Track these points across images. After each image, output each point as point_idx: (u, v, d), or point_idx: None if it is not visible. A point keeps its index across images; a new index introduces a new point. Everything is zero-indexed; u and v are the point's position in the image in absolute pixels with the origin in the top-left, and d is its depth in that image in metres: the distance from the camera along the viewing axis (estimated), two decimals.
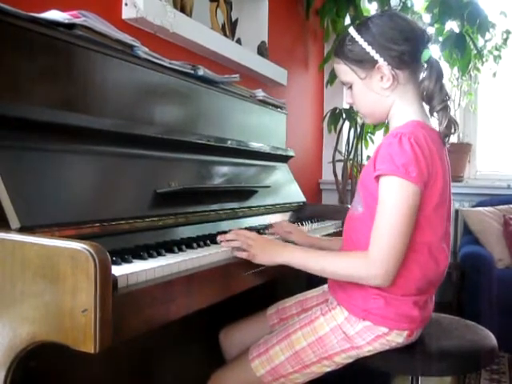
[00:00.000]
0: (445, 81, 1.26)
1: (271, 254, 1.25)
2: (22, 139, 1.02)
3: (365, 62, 1.24)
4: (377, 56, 1.22)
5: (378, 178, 1.16)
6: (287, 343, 1.27)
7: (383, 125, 1.30)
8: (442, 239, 1.24)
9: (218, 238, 1.28)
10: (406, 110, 1.25)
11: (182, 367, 1.60)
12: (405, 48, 1.22)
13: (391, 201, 1.13)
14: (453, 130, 1.25)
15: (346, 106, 3.24)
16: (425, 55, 1.23)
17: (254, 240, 1.26)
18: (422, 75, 1.25)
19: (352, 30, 1.27)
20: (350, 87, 1.30)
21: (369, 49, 1.23)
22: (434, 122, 1.27)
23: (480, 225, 3.26)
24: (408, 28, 1.24)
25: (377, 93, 1.25)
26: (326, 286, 1.44)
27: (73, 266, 0.79)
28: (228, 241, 1.26)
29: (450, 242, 1.27)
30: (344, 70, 1.29)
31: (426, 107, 1.28)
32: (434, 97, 1.24)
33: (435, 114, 1.26)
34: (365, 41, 1.23)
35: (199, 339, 1.62)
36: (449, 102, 1.26)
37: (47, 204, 1.01)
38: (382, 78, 1.23)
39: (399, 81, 1.24)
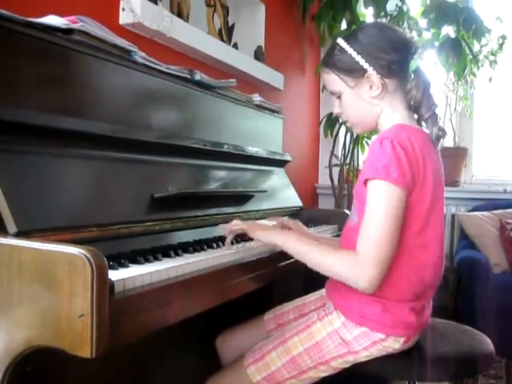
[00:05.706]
0: (432, 89, 1.28)
1: (267, 232, 1.32)
2: (20, 144, 1.02)
3: (354, 71, 1.26)
4: (366, 65, 1.24)
5: (366, 183, 1.16)
6: (283, 349, 1.27)
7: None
8: (438, 242, 1.23)
9: (221, 226, 1.38)
10: (394, 117, 1.26)
11: (178, 372, 1.60)
12: (393, 57, 1.24)
13: (374, 205, 1.13)
14: (442, 136, 1.26)
15: None
16: (412, 65, 1.25)
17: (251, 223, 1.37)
18: (410, 85, 1.26)
19: (341, 41, 1.29)
20: (339, 97, 1.32)
21: (358, 58, 1.24)
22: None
23: (476, 229, 3.26)
24: (396, 38, 1.26)
25: (366, 101, 1.27)
26: (324, 290, 1.43)
27: (69, 271, 0.79)
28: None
29: (444, 244, 1.27)
30: (333, 80, 1.30)
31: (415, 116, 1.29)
32: (421, 105, 1.26)
33: (423, 122, 1.27)
34: (354, 50, 1.25)
35: (195, 344, 1.62)
36: (436, 110, 1.27)
37: (44, 208, 1.01)
38: (371, 86, 1.25)
39: (388, 89, 1.25)
